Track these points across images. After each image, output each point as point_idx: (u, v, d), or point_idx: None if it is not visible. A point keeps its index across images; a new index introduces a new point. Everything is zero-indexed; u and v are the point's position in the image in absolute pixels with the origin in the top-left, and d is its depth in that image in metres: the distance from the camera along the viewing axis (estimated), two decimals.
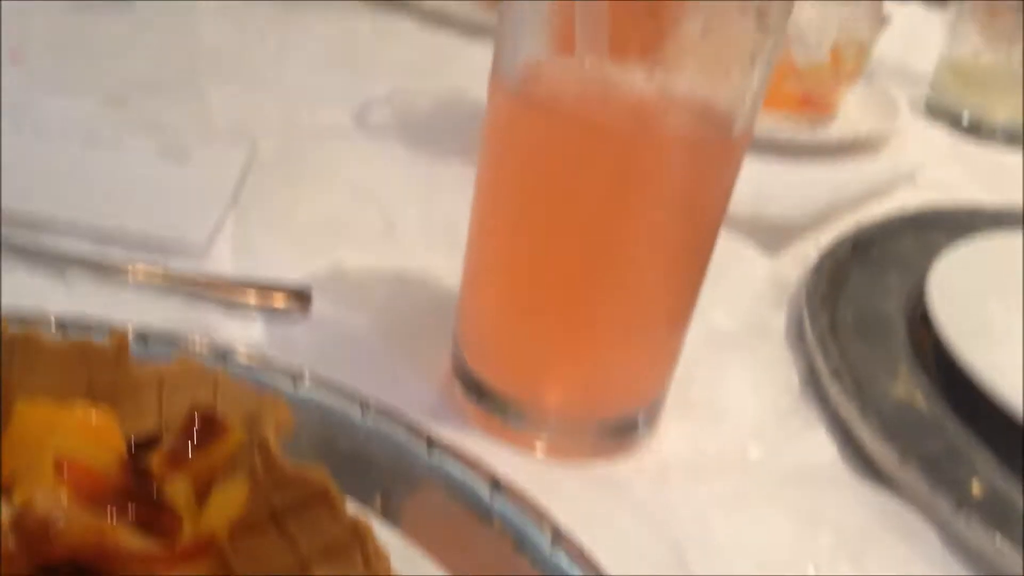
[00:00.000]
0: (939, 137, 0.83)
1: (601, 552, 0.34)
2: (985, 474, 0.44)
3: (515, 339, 0.43)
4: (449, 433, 0.39)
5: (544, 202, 0.40)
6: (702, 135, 0.39)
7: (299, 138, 0.65)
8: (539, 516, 0.35)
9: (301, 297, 0.49)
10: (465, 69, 0.79)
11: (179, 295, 0.48)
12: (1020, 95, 0.82)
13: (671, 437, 0.45)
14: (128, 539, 0.27)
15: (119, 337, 0.31)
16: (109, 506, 0.28)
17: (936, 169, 0.76)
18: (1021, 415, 0.44)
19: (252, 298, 0.48)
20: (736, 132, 0.39)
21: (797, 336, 0.53)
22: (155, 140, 0.60)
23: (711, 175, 0.40)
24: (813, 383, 0.50)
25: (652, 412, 0.45)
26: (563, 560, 0.34)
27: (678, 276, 0.42)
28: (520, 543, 0.35)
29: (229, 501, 0.29)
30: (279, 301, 0.48)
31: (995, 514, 0.41)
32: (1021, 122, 0.82)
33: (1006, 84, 0.81)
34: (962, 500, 0.41)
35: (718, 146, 0.39)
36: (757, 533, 0.41)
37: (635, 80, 0.37)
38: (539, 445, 0.43)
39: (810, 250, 0.60)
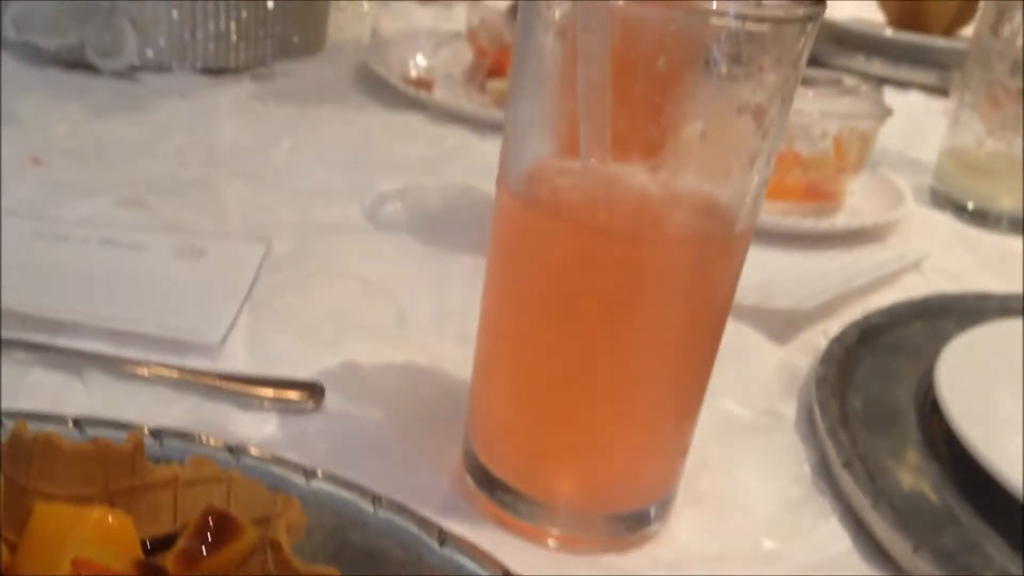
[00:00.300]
0: (944, 225, 0.84)
1: None
2: (999, 563, 0.43)
3: (525, 433, 0.43)
4: (461, 526, 0.39)
5: (550, 300, 0.40)
6: (705, 233, 0.40)
7: (312, 234, 0.66)
8: None
9: (314, 392, 0.49)
10: (475, 164, 0.80)
11: (194, 392, 0.48)
12: (1023, 183, 0.83)
13: (683, 529, 0.45)
14: None
15: (135, 438, 0.32)
16: None
17: (942, 257, 0.76)
18: None
19: (266, 394, 0.49)
20: (739, 228, 0.40)
21: (808, 425, 0.53)
22: (172, 239, 0.62)
23: (715, 271, 0.41)
24: (825, 473, 0.50)
25: (664, 504, 0.45)
26: None
27: (685, 371, 0.42)
28: None
29: None
30: (292, 396, 0.49)
31: None
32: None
33: (1009, 173, 0.83)
34: None
35: (721, 242, 0.40)
36: None
37: (637, 181, 0.38)
38: (551, 538, 0.43)
39: (818, 338, 0.61)
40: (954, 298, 0.67)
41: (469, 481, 0.45)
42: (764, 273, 0.69)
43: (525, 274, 0.41)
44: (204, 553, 0.30)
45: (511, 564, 0.36)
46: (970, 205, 0.85)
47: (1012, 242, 0.82)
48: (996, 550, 0.44)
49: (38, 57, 0.87)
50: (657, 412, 0.42)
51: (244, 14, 0.92)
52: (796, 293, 0.66)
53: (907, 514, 0.45)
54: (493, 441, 0.44)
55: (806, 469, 0.50)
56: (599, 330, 0.40)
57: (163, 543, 0.31)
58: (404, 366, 0.54)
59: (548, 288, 0.41)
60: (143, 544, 0.31)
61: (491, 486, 0.44)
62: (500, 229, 0.42)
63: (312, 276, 0.61)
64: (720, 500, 0.47)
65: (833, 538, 0.46)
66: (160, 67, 0.90)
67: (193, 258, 0.60)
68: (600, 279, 0.39)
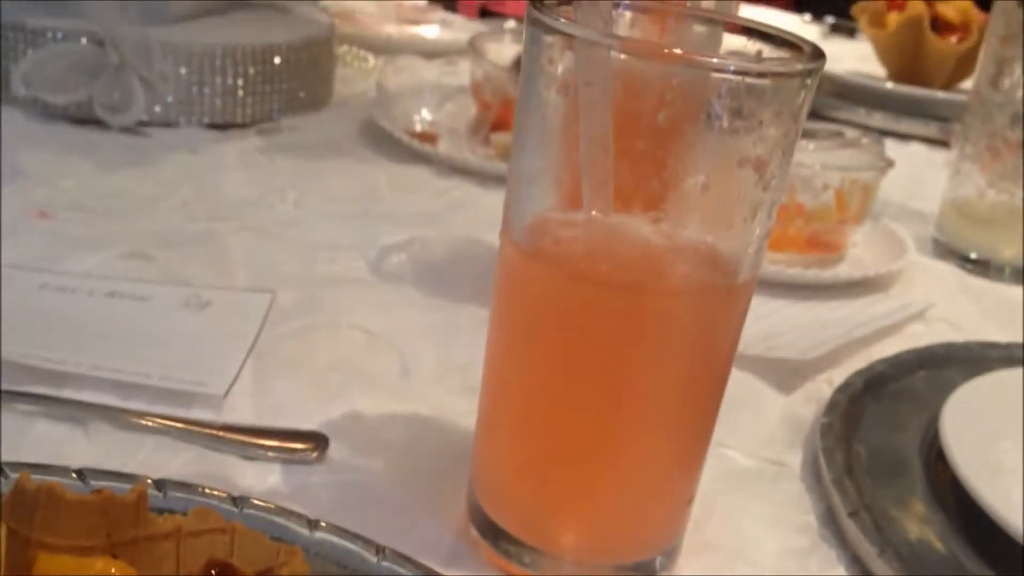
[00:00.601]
0: (947, 274, 0.84)
1: None
2: None
3: (529, 483, 0.43)
4: None
5: (553, 351, 0.41)
6: (707, 284, 0.40)
7: (317, 286, 0.66)
8: None
9: (318, 443, 0.49)
10: (479, 217, 0.81)
11: (197, 443, 0.48)
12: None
13: None
14: None
15: (139, 489, 0.32)
16: None
17: (946, 306, 0.76)
18: None
19: (269, 444, 0.49)
20: (741, 278, 0.40)
21: (813, 474, 0.53)
22: (177, 291, 0.62)
23: (718, 322, 0.41)
24: (831, 522, 0.49)
25: (670, 554, 0.45)
26: None
27: (689, 421, 0.42)
28: None
29: None
30: (296, 447, 0.49)
31: None
32: None
33: (1011, 223, 0.83)
34: None
35: (723, 293, 0.41)
36: None
37: (639, 233, 0.38)
38: None
39: (823, 388, 0.61)
40: (958, 347, 0.67)
41: (473, 532, 0.45)
42: (767, 323, 0.69)
43: (528, 325, 0.41)
44: None
45: None
46: (972, 255, 0.85)
47: (1015, 291, 0.82)
48: None
49: (47, 112, 0.88)
50: (662, 462, 0.42)
51: (251, 70, 0.93)
52: (800, 343, 0.66)
53: (914, 563, 0.45)
54: (497, 491, 0.44)
55: (812, 518, 0.50)
56: (602, 381, 0.40)
57: None
58: (408, 417, 0.54)
59: (551, 339, 0.41)
60: None
61: (495, 536, 0.44)
62: (503, 281, 0.42)
63: (316, 327, 0.61)
64: (726, 550, 0.47)
65: None
66: (168, 122, 0.91)
67: (198, 309, 0.60)
68: (602, 330, 0.39)
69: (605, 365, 0.40)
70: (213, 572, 0.30)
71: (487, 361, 0.44)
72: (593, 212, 0.38)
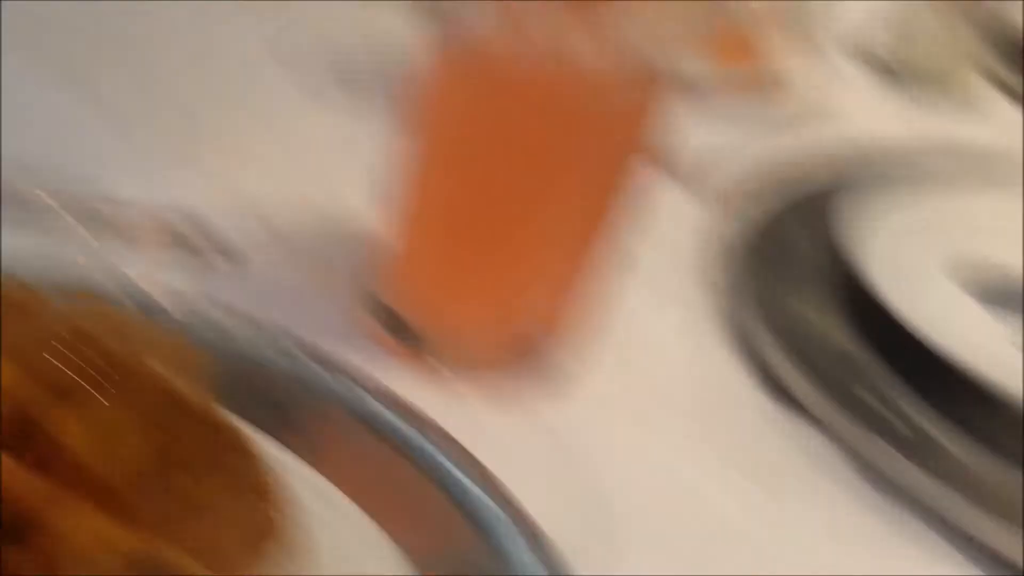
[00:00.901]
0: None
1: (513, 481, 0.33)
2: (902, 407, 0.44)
3: (429, 264, 0.43)
4: (358, 360, 0.38)
5: (453, 136, 0.40)
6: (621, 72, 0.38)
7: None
8: (451, 444, 0.34)
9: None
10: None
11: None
12: None
13: (590, 373, 0.44)
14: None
15: None
16: None
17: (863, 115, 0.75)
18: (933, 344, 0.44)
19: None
20: (655, 70, 0.38)
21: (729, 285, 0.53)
22: None
23: (628, 111, 0.39)
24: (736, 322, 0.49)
25: (572, 344, 0.44)
26: (484, 494, 0.33)
27: (586, 204, 0.42)
28: (434, 475, 0.34)
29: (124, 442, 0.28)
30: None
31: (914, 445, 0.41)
32: None
33: None
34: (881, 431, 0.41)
35: (636, 83, 0.39)
36: (670, 462, 0.40)
37: (553, 20, 0.36)
38: (446, 367, 0.42)
39: (745, 203, 0.60)
40: (871, 154, 0.67)
41: (366, 317, 0.44)
42: (699, 139, 0.67)
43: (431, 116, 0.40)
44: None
45: (409, 396, 0.35)
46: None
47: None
48: (903, 396, 0.44)
49: None
50: (557, 240, 0.42)
51: None
52: (731, 159, 0.64)
53: (813, 358, 0.46)
54: (397, 274, 0.43)
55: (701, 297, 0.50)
56: (503, 162, 0.39)
57: None
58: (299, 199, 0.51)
59: (451, 124, 0.40)
60: None
61: (390, 321, 0.43)
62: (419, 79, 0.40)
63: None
64: (628, 346, 0.47)
65: (741, 382, 0.46)
66: None
67: None
68: (508, 114, 0.38)
69: (505, 145, 0.39)
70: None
71: (388, 152, 0.42)
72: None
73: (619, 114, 0.39)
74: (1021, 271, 0.53)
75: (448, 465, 0.34)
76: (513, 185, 0.40)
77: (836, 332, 0.48)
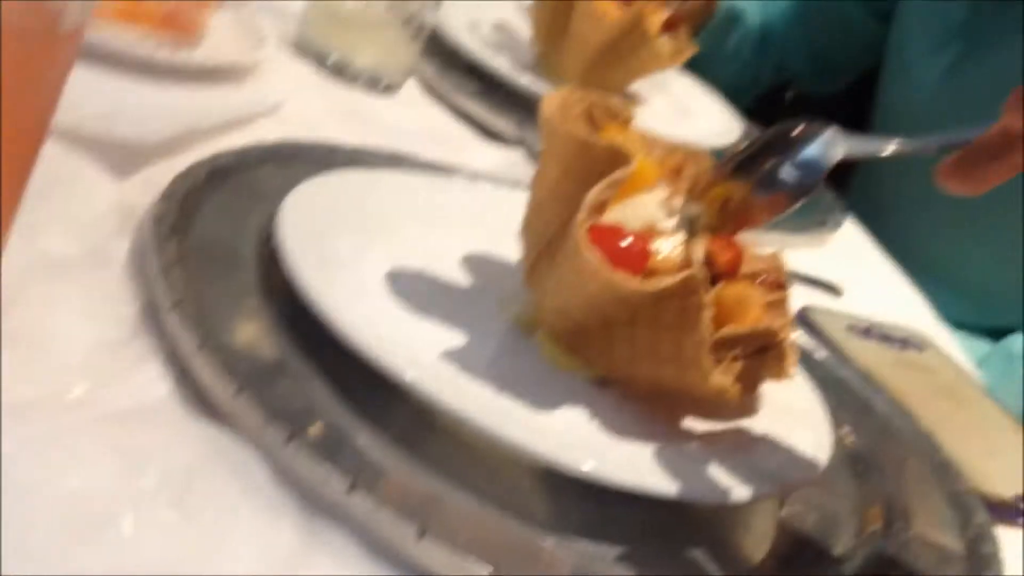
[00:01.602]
0: (305, 74, 0.82)
1: None
2: (323, 410, 0.44)
3: None
4: None
5: None
6: (18, 25, 0.33)
7: None
8: None
9: None
10: None
11: None
12: (381, 43, 0.84)
13: None
14: None
15: None
16: None
17: (299, 105, 0.75)
18: (360, 350, 0.45)
19: None
20: (64, 28, 0.35)
21: (140, 266, 0.49)
22: None
23: (27, 75, 0.35)
24: (153, 315, 0.46)
25: None
26: None
27: None
28: None
29: None
30: None
31: (328, 445, 0.41)
32: (380, 68, 0.85)
33: (367, 29, 0.84)
34: (295, 432, 0.41)
35: (39, 41, 0.34)
36: (72, 476, 0.36)
37: None
38: None
39: (162, 176, 0.56)
40: (306, 147, 0.67)
41: None
42: (108, 101, 0.62)
43: None
44: None
45: None
46: (332, 57, 0.85)
47: (367, 98, 0.84)
48: (324, 398, 0.44)
49: None
50: None
51: None
52: (143, 126, 0.60)
53: (235, 358, 0.44)
54: None
55: (133, 310, 0.46)
56: None
57: None
58: None
59: None
60: None
61: None
62: None
63: None
64: (31, 342, 0.42)
65: (152, 383, 0.42)
66: None
67: None
68: None
69: None
70: None
71: None
72: None
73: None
74: None
75: None
76: None
77: (263, 329, 0.47)
